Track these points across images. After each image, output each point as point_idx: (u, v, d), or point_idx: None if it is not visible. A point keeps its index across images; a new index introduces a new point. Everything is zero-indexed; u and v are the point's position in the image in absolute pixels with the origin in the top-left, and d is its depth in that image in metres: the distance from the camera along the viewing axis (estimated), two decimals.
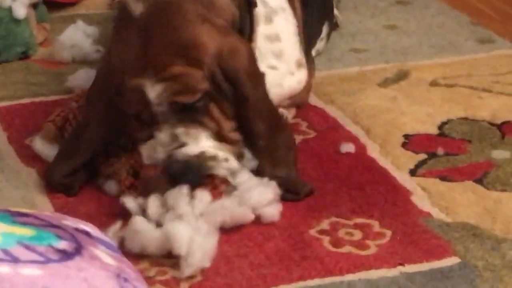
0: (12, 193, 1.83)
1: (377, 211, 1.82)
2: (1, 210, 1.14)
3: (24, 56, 2.40)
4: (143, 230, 1.67)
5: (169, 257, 1.65)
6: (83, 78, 2.21)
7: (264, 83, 1.85)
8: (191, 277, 1.62)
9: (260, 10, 2.03)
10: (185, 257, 1.62)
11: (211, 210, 1.73)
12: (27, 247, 1.06)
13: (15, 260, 1.03)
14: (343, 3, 2.63)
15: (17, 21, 2.36)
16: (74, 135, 1.90)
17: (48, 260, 1.05)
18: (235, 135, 1.84)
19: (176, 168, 1.77)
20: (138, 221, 1.68)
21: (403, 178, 1.94)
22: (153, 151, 1.80)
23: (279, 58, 2.06)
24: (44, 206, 1.80)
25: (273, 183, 1.79)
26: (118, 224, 1.69)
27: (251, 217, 1.75)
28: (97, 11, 2.65)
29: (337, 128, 2.10)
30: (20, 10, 2.34)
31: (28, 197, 1.83)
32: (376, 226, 1.78)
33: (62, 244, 1.09)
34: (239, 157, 1.84)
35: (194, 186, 1.76)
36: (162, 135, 1.79)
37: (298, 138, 2.05)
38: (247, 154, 1.86)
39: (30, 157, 1.95)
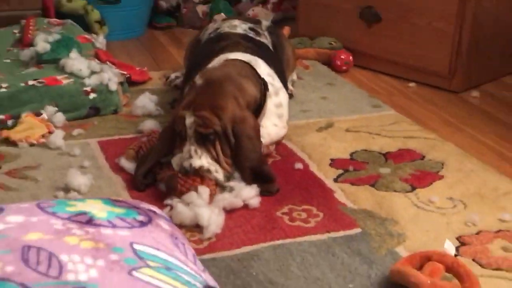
0: (107, 190, 1.87)
1: (315, 201, 1.87)
2: (106, 198, 1.18)
3: (115, 112, 2.42)
4: (181, 211, 1.70)
5: (197, 227, 1.70)
6: (148, 124, 2.26)
7: (256, 143, 1.89)
8: (209, 238, 1.67)
9: (270, 88, 2.08)
10: (206, 227, 1.68)
11: (218, 199, 1.77)
12: (121, 219, 1.08)
13: (114, 226, 1.05)
14: (296, 84, 2.67)
15: (111, 91, 2.40)
16: (148, 153, 1.94)
17: (132, 226, 1.08)
18: (227, 165, 1.86)
19: (182, 170, 1.82)
20: (179, 207, 1.71)
21: (330, 183, 1.98)
22: (177, 160, 1.85)
23: (280, 118, 2.11)
24: (125, 196, 1.85)
25: (255, 186, 1.83)
26: (168, 208, 1.72)
27: (241, 204, 1.79)
28: (157, 87, 2.68)
29: (292, 155, 2.15)
30: (113, 86, 2.40)
31: (116, 192, 1.86)
32: (314, 210, 1.83)
33: (141, 218, 1.12)
34: (228, 177, 1.86)
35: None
36: (184, 149, 1.84)
37: (271, 160, 2.08)
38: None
39: (118, 169, 1.99)
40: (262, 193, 1.84)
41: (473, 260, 1.61)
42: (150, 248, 1.01)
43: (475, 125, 2.44)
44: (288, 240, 1.66)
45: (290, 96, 2.46)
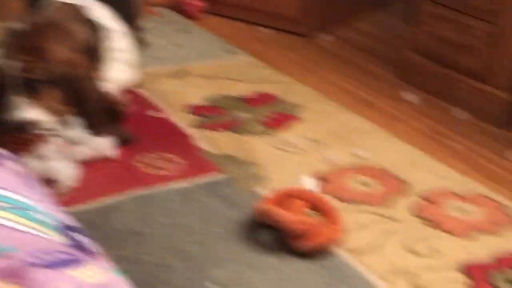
0: None
1: (174, 149, 1.82)
2: None
3: None
4: (32, 165, 1.59)
5: (50, 182, 1.58)
6: None
7: (92, 84, 1.74)
8: (64, 192, 1.58)
9: (109, 33, 1.91)
10: (59, 180, 1.59)
11: (72, 152, 1.68)
12: None
13: None
14: (148, 31, 2.55)
15: None
16: None
17: None
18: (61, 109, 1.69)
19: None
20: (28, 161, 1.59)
21: (188, 130, 1.94)
22: None
23: (125, 64, 1.93)
24: None
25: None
26: None
27: (96, 155, 1.71)
28: None
29: (147, 102, 2.08)
30: None
31: None
32: (174, 157, 1.78)
33: None
34: (64, 123, 1.71)
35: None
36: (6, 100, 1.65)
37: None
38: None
39: None
40: (119, 144, 1.76)
41: (334, 196, 1.64)
42: None
43: (330, 69, 2.46)
44: (149, 190, 1.61)
45: (142, 42, 2.36)
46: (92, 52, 1.85)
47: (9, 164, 1.04)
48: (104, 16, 1.97)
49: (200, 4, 2.93)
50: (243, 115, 2.02)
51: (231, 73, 2.32)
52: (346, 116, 2.07)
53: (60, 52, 1.72)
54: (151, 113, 1.98)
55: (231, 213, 1.53)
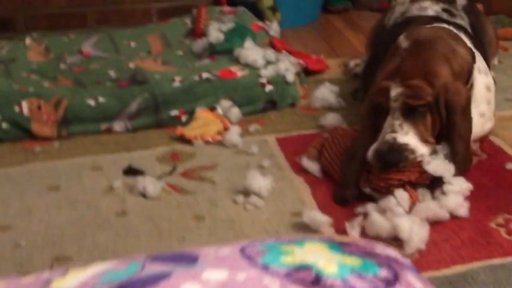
0: (290, 194, 1.71)
1: None
2: (327, 239, 0.87)
3: (292, 105, 2.25)
4: (377, 221, 1.50)
5: (395, 240, 1.46)
6: (329, 119, 2.07)
7: (470, 120, 1.65)
8: (411, 255, 1.45)
9: (479, 64, 1.82)
10: (407, 241, 1.46)
11: (419, 209, 1.53)
12: (359, 276, 0.78)
13: None
14: (496, 69, 2.36)
15: (288, 83, 2.24)
16: (351, 150, 1.70)
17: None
18: (432, 144, 1.62)
19: (383, 146, 1.59)
20: (374, 215, 1.51)
21: None
22: (374, 149, 1.62)
23: (489, 106, 1.84)
24: (310, 202, 1.67)
25: (461, 191, 1.56)
26: (360, 217, 1.53)
27: (447, 216, 1.55)
28: (337, 76, 2.49)
29: (501, 152, 1.88)
30: (290, 77, 2.24)
31: (299, 198, 1.70)
32: None
33: (383, 273, 0.80)
34: (432, 153, 1.62)
35: (393, 165, 1.57)
36: (386, 123, 1.62)
37: (475, 159, 1.81)
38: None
39: (299, 170, 1.81)
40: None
41: None
42: None
43: None
44: (509, 259, 1.40)
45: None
46: (467, 79, 1.72)
47: (410, 277, 0.81)
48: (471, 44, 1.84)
49: None
50: None
51: None
52: None
53: (447, 76, 1.62)
54: (508, 165, 1.77)
55: None
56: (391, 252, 0.86)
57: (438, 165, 1.57)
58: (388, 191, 1.57)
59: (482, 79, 1.81)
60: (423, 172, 1.57)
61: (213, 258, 0.68)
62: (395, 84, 1.62)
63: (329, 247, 0.78)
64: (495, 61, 2.35)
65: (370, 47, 2.40)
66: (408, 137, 1.59)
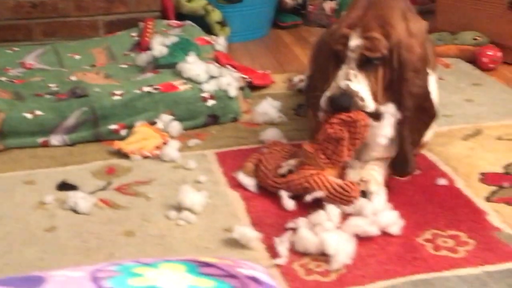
0: (224, 210, 1.70)
1: (464, 225, 1.61)
2: (190, 260, 0.88)
3: (235, 120, 2.25)
4: (305, 237, 1.51)
5: (323, 255, 1.48)
6: (269, 134, 2.07)
7: (425, 79, 1.69)
8: (337, 270, 1.45)
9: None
10: (334, 256, 1.46)
11: (349, 225, 1.54)
12: None
13: None
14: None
15: (231, 98, 2.24)
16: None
17: None
18: (381, 97, 1.67)
19: (337, 91, 1.65)
20: (302, 231, 1.52)
21: (480, 203, 1.71)
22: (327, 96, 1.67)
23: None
24: (244, 218, 1.67)
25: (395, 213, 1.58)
26: (289, 232, 1.54)
27: (378, 233, 1.56)
28: (280, 91, 2.49)
29: (434, 168, 1.90)
30: (233, 91, 2.23)
31: (233, 212, 1.68)
32: (463, 236, 1.58)
33: None
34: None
35: (344, 109, 1.63)
36: (341, 72, 1.67)
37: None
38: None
39: (236, 185, 1.81)
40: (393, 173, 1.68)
41: None
42: None
43: None
44: (432, 274, 1.41)
45: None
46: (424, 51, 1.73)
47: None
48: None
49: (497, 53, 2.67)
50: None
51: None
52: None
53: (403, 31, 1.66)
54: (439, 181, 1.79)
55: None
56: (257, 273, 0.85)
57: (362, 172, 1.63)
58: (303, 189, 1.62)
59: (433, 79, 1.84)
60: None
61: (59, 281, 0.67)
62: (356, 34, 1.66)
63: (187, 269, 0.78)
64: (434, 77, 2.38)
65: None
66: (360, 86, 1.64)
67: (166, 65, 2.35)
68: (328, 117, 1.66)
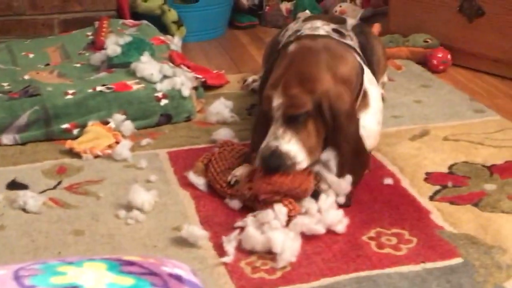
0: (173, 208, 1.72)
1: (407, 224, 1.66)
2: (113, 259, 0.88)
3: (188, 119, 2.27)
4: (252, 235, 1.53)
5: (269, 253, 1.51)
6: (222, 133, 2.10)
7: (357, 125, 1.71)
8: (283, 267, 1.48)
9: (369, 77, 1.93)
10: (279, 254, 1.49)
11: (296, 223, 1.57)
12: None
13: None
14: (387, 86, 2.44)
15: (184, 97, 2.25)
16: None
17: None
18: (317, 149, 1.68)
19: (266, 151, 1.65)
20: (249, 230, 1.54)
21: (424, 202, 1.76)
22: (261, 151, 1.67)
23: (380, 115, 1.93)
24: (193, 217, 1.68)
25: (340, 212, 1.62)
26: (237, 231, 1.56)
27: (323, 231, 1.59)
28: (234, 91, 2.52)
29: (381, 167, 1.94)
30: (186, 91, 2.25)
31: (183, 210, 1.70)
32: (406, 234, 1.62)
33: None
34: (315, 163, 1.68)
35: (275, 170, 1.62)
36: (270, 131, 1.67)
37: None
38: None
39: (187, 184, 1.82)
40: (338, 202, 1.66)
41: None
42: None
43: None
44: (375, 271, 1.45)
45: (382, 99, 2.24)
46: (354, 88, 1.77)
47: None
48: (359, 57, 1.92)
49: (447, 55, 2.73)
50: (489, 187, 1.79)
51: (477, 136, 2.09)
52: None
53: (328, 82, 1.67)
54: (385, 180, 1.83)
55: None
56: (181, 272, 0.88)
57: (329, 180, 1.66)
58: (265, 204, 1.61)
59: (375, 89, 1.89)
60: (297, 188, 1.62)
61: None
62: (277, 93, 1.67)
63: (108, 267, 0.80)
64: (384, 79, 2.43)
65: (265, 62, 2.45)
66: (290, 144, 1.64)
67: (120, 64, 2.35)
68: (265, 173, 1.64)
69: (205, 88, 2.47)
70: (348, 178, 1.65)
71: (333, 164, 1.67)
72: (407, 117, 2.25)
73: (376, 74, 2.16)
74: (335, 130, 1.66)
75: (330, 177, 1.66)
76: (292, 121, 1.66)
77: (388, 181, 1.83)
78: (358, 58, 1.91)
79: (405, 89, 2.51)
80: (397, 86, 2.52)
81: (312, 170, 1.66)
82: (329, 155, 1.67)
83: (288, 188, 1.60)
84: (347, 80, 1.74)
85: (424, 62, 2.76)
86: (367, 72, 1.90)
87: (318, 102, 1.65)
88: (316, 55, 1.73)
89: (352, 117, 1.70)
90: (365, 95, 1.85)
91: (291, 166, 1.63)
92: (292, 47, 1.79)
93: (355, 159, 1.69)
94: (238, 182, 1.71)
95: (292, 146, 1.64)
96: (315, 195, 1.65)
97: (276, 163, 1.62)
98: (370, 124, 1.84)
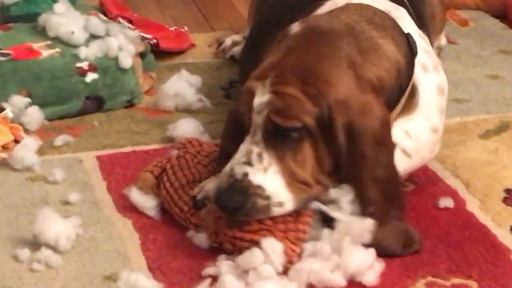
0: (107, 247, 1.73)
1: (476, 271, 1.67)
2: None
3: (129, 104, 2.31)
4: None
5: None
6: (183, 127, 2.11)
7: (391, 154, 1.69)
8: None
9: (425, 58, 1.91)
10: None
11: (298, 269, 1.58)
12: None
13: None
14: (445, 52, 2.44)
15: (123, 70, 2.28)
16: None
17: None
18: (316, 186, 1.66)
19: (225, 181, 1.62)
20: (227, 280, 1.55)
21: (503, 236, 1.77)
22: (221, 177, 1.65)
23: (441, 116, 1.93)
24: (137, 259, 1.69)
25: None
26: (207, 282, 1.57)
27: (343, 283, 1.59)
28: (204, 60, 2.52)
29: (436, 181, 1.97)
30: (127, 60, 2.27)
31: (121, 249, 1.70)
32: (474, 286, 1.62)
33: None
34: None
35: (231, 212, 1.60)
36: (241, 148, 1.65)
37: None
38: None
39: (127, 207, 1.84)
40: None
41: None
42: None
43: None
44: None
45: None
46: (391, 94, 1.76)
47: None
48: (414, 31, 1.91)
49: None
50: None
51: None
52: None
53: (346, 86, 1.66)
54: (443, 202, 1.85)
55: None
56: None
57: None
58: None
59: (432, 79, 1.89)
60: (296, 229, 1.63)
61: None
62: (263, 88, 1.65)
63: None
64: (441, 41, 2.45)
65: (254, 14, 2.46)
66: (267, 175, 1.62)
67: (21, 16, 2.37)
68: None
69: (157, 55, 2.49)
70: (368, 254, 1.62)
71: (345, 202, 1.65)
72: (477, 102, 2.28)
73: (428, 34, 2.17)
74: (354, 161, 1.65)
75: (344, 217, 1.64)
76: (278, 137, 1.63)
77: (447, 202, 1.85)
78: (410, 23, 1.93)
79: (473, 58, 2.54)
80: (461, 52, 2.55)
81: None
82: (338, 193, 1.67)
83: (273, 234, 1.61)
84: (379, 85, 1.73)
85: (503, 12, 2.79)
86: (421, 51, 1.88)
87: (325, 115, 1.63)
88: (333, 43, 1.71)
89: (385, 142, 1.68)
90: (413, 89, 1.85)
91: (262, 209, 1.60)
92: (296, 28, 1.78)
93: (386, 204, 1.67)
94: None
95: (269, 178, 1.62)
96: (329, 219, 1.66)
97: (235, 203, 1.59)
98: (419, 132, 1.85)
